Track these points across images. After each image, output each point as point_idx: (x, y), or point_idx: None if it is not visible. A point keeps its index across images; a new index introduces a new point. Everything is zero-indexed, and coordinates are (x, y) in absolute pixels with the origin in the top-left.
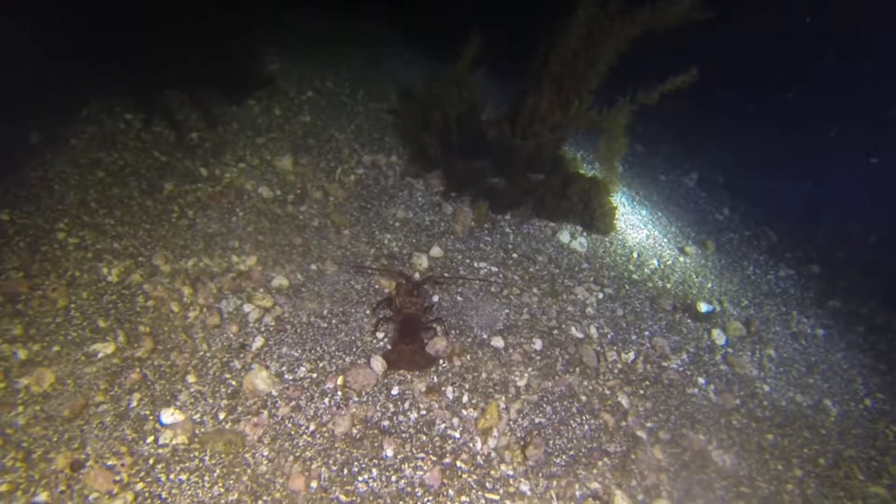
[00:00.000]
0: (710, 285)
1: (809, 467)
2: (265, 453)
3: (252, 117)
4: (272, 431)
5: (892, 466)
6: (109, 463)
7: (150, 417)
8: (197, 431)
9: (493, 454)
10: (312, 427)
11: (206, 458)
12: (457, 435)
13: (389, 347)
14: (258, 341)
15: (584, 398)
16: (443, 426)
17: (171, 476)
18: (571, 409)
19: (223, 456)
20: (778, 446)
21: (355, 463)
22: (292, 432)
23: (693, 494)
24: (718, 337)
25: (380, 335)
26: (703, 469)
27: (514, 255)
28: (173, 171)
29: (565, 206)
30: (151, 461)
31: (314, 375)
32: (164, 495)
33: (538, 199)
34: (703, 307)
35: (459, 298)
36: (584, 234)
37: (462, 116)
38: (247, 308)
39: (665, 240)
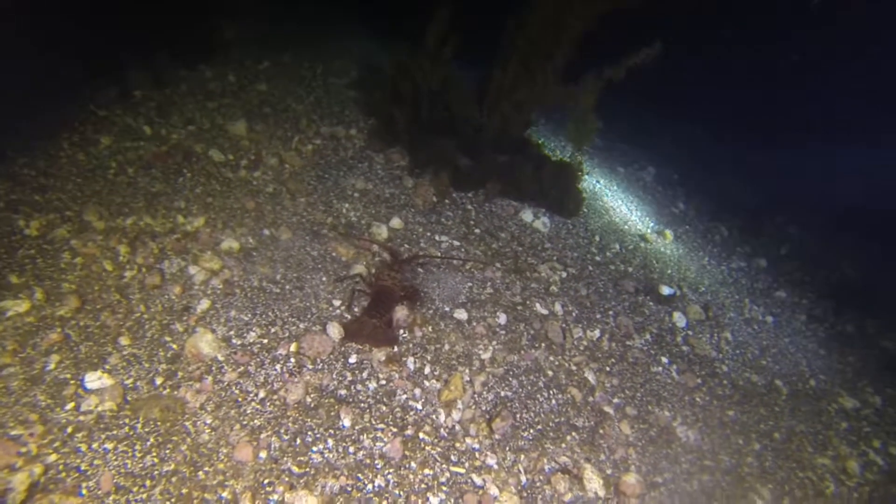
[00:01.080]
0: (669, 271)
1: (766, 441)
2: (208, 421)
3: (203, 81)
4: (216, 398)
5: (835, 439)
6: (14, 433)
7: (72, 382)
8: (129, 397)
9: (457, 427)
10: (262, 394)
11: (139, 425)
12: (419, 406)
13: (354, 316)
14: (204, 304)
15: (550, 373)
16: (404, 397)
17: (94, 445)
18: (538, 384)
19: (159, 423)
20: (738, 422)
21: (309, 433)
22: (239, 399)
23: (660, 468)
24: (679, 319)
25: (336, 303)
26: (669, 444)
27: (477, 231)
28: (112, 126)
29: (535, 189)
30: (70, 429)
31: (265, 341)
32: (83, 467)
33: (511, 181)
34: (665, 290)
35: (420, 270)
36: (547, 214)
37: (432, 92)
38: (192, 270)
39: (626, 226)
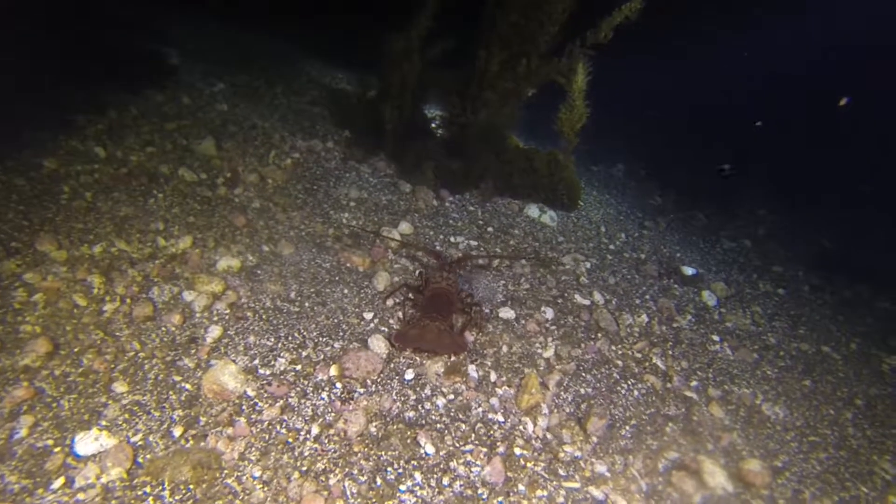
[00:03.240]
0: (678, 255)
1: (853, 409)
2: (256, 473)
3: (156, 105)
4: (259, 443)
5: None
6: None
7: (57, 449)
8: (141, 458)
9: (549, 436)
10: (316, 430)
11: (166, 494)
12: (500, 418)
13: (406, 323)
14: (214, 332)
15: (619, 363)
16: (480, 410)
17: None
18: (613, 376)
19: (192, 487)
20: (818, 392)
21: (389, 468)
22: (290, 440)
23: (772, 451)
24: (710, 298)
25: (368, 316)
26: (764, 424)
27: (490, 230)
28: (56, 149)
29: (532, 182)
30: None
31: (299, 367)
32: None
33: (504, 178)
34: (688, 271)
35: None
36: (551, 209)
37: (415, 92)
38: (189, 295)
39: (621, 217)
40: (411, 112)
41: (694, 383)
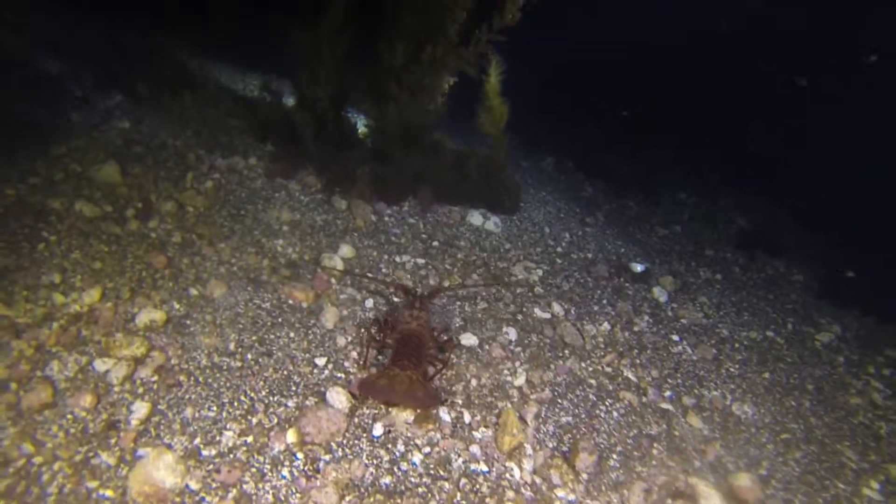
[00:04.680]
0: (623, 250)
1: (808, 395)
2: None
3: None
4: None
5: (846, 377)
6: None
7: None
8: None
9: (537, 480)
10: None
11: None
12: (484, 468)
13: (372, 372)
14: (139, 410)
15: (593, 381)
16: (461, 461)
17: None
18: (589, 397)
19: None
20: (776, 383)
21: None
22: None
23: (753, 458)
24: (660, 294)
25: (320, 361)
26: (739, 427)
27: (435, 244)
28: None
29: (471, 187)
30: None
31: (250, 439)
32: None
33: (442, 183)
34: (637, 268)
35: (396, 300)
36: (492, 213)
37: (333, 98)
38: (102, 365)
39: (562, 215)
40: (334, 118)
41: (668, 393)
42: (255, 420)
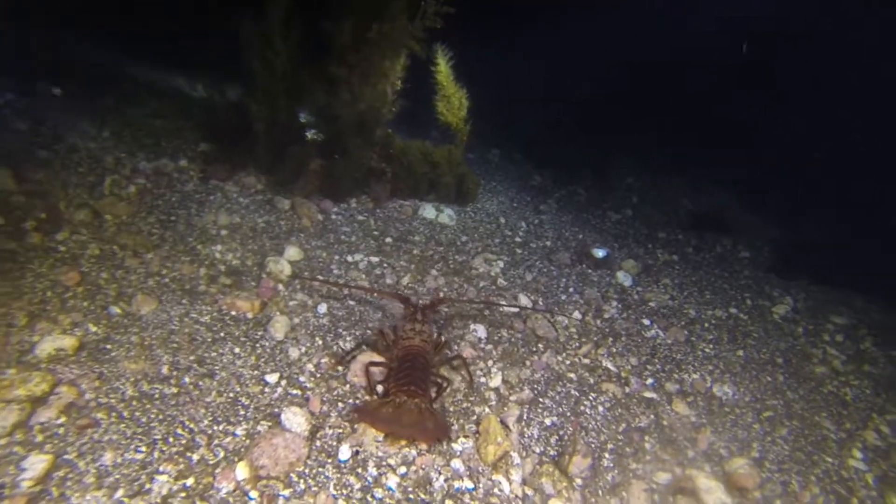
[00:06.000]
0: (581, 236)
1: (779, 369)
2: None
3: None
4: None
5: (807, 346)
6: None
7: None
8: None
9: (528, 491)
10: None
11: None
12: (469, 484)
13: (368, 399)
14: (35, 466)
15: (572, 376)
16: (442, 480)
17: None
18: (571, 393)
19: None
20: (750, 360)
21: None
22: None
23: (743, 440)
24: (624, 278)
25: (272, 378)
26: (724, 409)
27: (388, 240)
28: None
29: (427, 181)
30: None
31: (190, 482)
32: None
33: (398, 176)
34: (599, 253)
35: (352, 302)
36: (446, 206)
37: (286, 88)
38: None
39: (515, 204)
40: (285, 112)
41: (650, 381)
42: (195, 457)
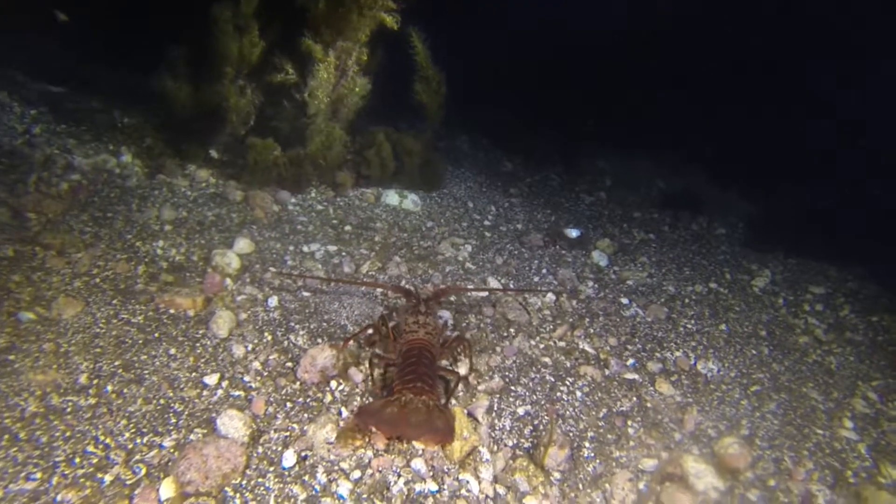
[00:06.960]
0: (553, 218)
1: (762, 341)
2: None
3: None
4: None
5: (789, 318)
6: None
7: None
8: None
9: (500, 490)
10: None
11: None
12: (432, 486)
13: (370, 400)
14: None
15: (547, 360)
16: (402, 483)
17: None
18: (546, 379)
19: None
20: (733, 334)
21: None
22: None
23: (731, 418)
24: (600, 258)
25: (211, 380)
26: (709, 387)
27: (347, 228)
28: None
29: (394, 167)
30: None
31: None
32: None
33: (364, 164)
34: (572, 233)
35: (306, 294)
36: (411, 192)
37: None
38: None
39: (485, 189)
40: (246, 98)
41: (630, 361)
42: (108, 478)
